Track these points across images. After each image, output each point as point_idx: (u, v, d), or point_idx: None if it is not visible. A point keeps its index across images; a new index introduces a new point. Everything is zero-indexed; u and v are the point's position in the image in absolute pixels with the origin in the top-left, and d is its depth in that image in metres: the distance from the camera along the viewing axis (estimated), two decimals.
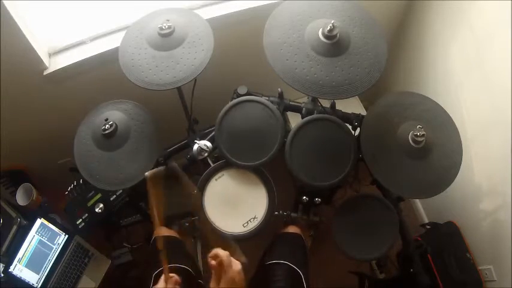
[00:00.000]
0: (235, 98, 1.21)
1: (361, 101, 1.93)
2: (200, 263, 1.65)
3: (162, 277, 0.90)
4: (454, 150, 1.13)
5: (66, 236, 1.55)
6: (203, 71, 1.09)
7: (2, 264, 1.37)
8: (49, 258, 1.49)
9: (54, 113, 1.50)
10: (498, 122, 1.34)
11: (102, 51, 1.33)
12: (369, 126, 1.15)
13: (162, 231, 1.39)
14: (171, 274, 0.92)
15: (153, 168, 1.15)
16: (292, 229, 1.39)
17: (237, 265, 0.82)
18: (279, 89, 1.26)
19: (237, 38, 1.46)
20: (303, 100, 1.30)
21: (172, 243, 1.37)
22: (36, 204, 1.57)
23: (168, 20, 1.11)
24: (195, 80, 1.11)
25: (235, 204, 1.19)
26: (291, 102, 1.28)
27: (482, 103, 1.41)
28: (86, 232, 1.51)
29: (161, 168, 1.02)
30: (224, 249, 0.83)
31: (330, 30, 1.00)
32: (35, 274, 1.44)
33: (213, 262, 0.82)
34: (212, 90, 1.43)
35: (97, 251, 1.64)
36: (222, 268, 0.80)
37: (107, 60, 1.33)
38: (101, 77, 1.40)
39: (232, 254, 0.83)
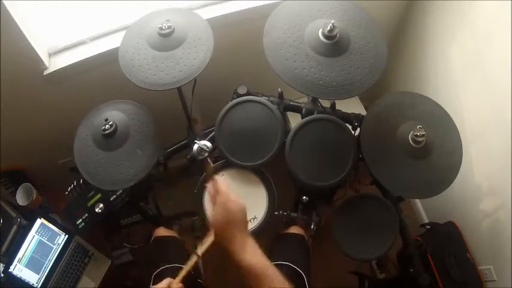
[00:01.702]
0: (235, 98, 1.21)
1: (361, 101, 1.93)
2: (200, 263, 1.65)
3: (165, 281, 0.89)
4: (454, 150, 1.13)
5: (66, 236, 1.55)
6: (203, 71, 1.09)
7: (2, 264, 1.36)
8: (49, 258, 1.49)
9: (54, 113, 1.50)
10: (498, 122, 1.34)
11: (102, 51, 1.33)
12: (369, 126, 1.15)
13: (161, 232, 1.39)
14: (177, 282, 0.89)
15: (151, 168, 1.15)
16: (294, 229, 1.38)
17: (232, 195, 0.81)
18: (279, 89, 1.26)
19: (237, 38, 1.46)
20: (303, 100, 1.30)
21: (172, 242, 1.37)
22: (36, 204, 1.57)
23: (168, 20, 1.11)
24: (195, 80, 1.11)
25: None
26: (291, 102, 1.28)
27: (482, 103, 1.41)
28: (86, 232, 1.51)
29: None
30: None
31: (330, 30, 1.00)
32: (35, 274, 1.44)
33: (211, 189, 0.82)
34: (212, 90, 1.43)
35: (97, 251, 1.64)
36: (216, 193, 0.81)
37: (107, 60, 1.33)
38: (101, 77, 1.40)
39: None
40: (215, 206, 0.80)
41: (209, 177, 0.84)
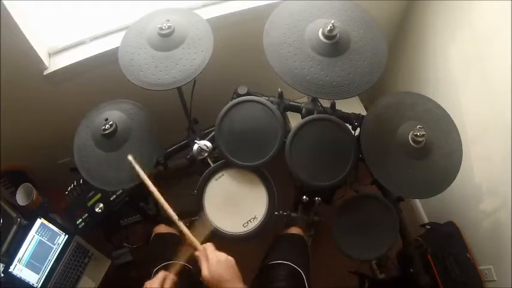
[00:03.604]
0: (235, 98, 1.21)
1: (361, 101, 1.93)
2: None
3: (160, 274, 0.90)
4: (454, 150, 1.13)
5: (66, 236, 1.55)
6: (203, 71, 1.09)
7: (2, 264, 1.37)
8: (49, 258, 1.49)
9: (54, 113, 1.50)
10: (498, 122, 1.34)
11: (102, 51, 1.33)
12: (369, 126, 1.15)
13: (162, 228, 1.39)
14: (171, 274, 0.92)
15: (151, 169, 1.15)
16: (294, 230, 1.39)
17: (222, 254, 0.88)
18: (279, 89, 1.26)
19: (237, 38, 1.46)
20: (303, 100, 1.30)
21: (172, 240, 1.37)
22: (36, 204, 1.57)
23: (168, 20, 1.11)
24: (195, 80, 1.11)
25: (235, 204, 1.19)
26: (291, 102, 1.28)
27: (483, 103, 1.41)
28: (86, 232, 1.51)
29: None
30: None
31: (330, 30, 1.00)
32: (35, 274, 1.44)
33: (198, 252, 0.88)
34: (212, 90, 1.43)
35: (97, 251, 1.64)
36: (206, 255, 0.86)
37: (107, 60, 1.33)
38: (101, 77, 1.40)
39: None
40: (209, 266, 0.85)
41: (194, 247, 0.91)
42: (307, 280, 1.20)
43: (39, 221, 1.47)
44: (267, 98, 1.23)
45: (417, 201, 2.03)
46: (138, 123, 1.17)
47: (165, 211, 0.96)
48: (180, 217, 0.95)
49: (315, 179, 1.14)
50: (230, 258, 0.89)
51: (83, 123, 1.19)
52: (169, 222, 1.44)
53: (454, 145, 1.13)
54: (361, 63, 1.03)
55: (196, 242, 0.92)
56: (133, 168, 1.01)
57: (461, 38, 1.46)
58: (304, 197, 1.37)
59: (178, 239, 1.38)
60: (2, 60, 1.18)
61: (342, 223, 1.21)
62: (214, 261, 0.85)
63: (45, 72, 1.31)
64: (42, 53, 1.28)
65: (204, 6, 1.40)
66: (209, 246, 0.90)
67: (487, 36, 1.33)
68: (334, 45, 1.02)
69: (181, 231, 0.94)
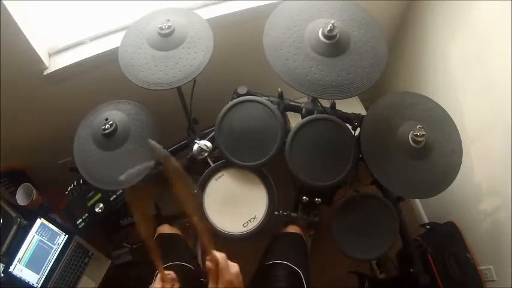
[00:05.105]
0: (235, 98, 1.21)
1: (361, 101, 1.93)
2: (200, 261, 1.65)
3: (158, 276, 0.89)
4: (454, 150, 1.13)
5: (66, 236, 1.55)
6: (203, 71, 1.09)
7: (2, 264, 1.37)
8: (49, 258, 1.49)
9: (54, 112, 1.50)
10: (498, 122, 1.33)
11: (102, 51, 1.33)
12: (369, 126, 1.15)
13: (165, 229, 1.40)
14: (167, 272, 0.90)
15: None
16: (292, 229, 1.39)
17: (234, 267, 0.82)
18: (279, 89, 1.26)
19: (237, 38, 1.46)
20: (303, 100, 1.30)
21: (176, 240, 1.37)
22: (36, 204, 1.57)
23: (168, 20, 1.11)
24: (195, 80, 1.11)
25: (235, 204, 1.19)
26: (291, 102, 1.28)
27: (483, 103, 1.41)
28: (86, 232, 1.51)
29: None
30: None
31: (330, 30, 1.00)
32: (35, 274, 1.44)
33: (210, 264, 0.81)
34: (212, 90, 1.43)
35: (97, 251, 1.64)
36: (218, 270, 0.80)
37: (107, 60, 1.33)
38: (101, 77, 1.40)
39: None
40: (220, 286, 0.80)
41: (207, 251, 0.84)
42: (306, 280, 1.20)
43: (39, 221, 1.47)
44: (267, 98, 1.23)
45: (417, 201, 2.03)
46: (138, 123, 1.17)
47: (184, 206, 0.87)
48: (180, 217, 0.93)
49: (315, 179, 1.14)
50: (239, 275, 0.82)
51: (83, 123, 1.20)
52: (172, 222, 1.45)
53: (454, 145, 1.13)
54: (361, 63, 1.03)
55: (209, 246, 0.85)
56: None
57: (461, 38, 1.46)
58: (304, 197, 1.37)
59: (182, 240, 1.39)
60: (2, 60, 1.18)
61: (342, 223, 1.21)
62: (225, 283, 0.79)
63: (45, 72, 1.31)
64: (42, 53, 1.28)
65: (204, 6, 1.39)
66: (221, 258, 0.82)
67: (487, 36, 1.33)
68: (334, 45, 1.02)
69: (188, 230, 0.88)
